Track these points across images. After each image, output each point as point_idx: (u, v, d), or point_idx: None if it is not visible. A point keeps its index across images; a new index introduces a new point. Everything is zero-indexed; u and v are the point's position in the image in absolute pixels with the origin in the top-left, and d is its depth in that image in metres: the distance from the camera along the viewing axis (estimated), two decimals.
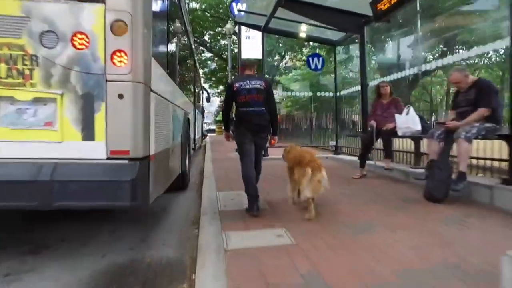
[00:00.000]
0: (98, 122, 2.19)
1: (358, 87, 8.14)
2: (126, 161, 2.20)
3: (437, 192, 3.65)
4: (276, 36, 13.79)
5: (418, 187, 4.42)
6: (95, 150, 2.19)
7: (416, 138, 5.25)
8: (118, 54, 2.21)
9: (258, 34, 11.08)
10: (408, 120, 5.00)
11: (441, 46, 16.10)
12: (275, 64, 22.25)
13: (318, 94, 12.39)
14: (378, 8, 5.84)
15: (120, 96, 2.20)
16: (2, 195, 2.06)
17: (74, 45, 2.19)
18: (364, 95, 6.86)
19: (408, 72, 6.59)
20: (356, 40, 7.13)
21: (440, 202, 3.61)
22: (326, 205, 3.66)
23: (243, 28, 11.55)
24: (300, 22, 7.97)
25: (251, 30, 11.90)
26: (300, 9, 6.93)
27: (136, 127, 2.24)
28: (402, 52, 15.08)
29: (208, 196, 4.14)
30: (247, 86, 3.39)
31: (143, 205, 2.26)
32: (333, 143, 8.56)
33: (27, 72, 2.17)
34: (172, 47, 3.99)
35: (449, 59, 5.59)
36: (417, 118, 4.98)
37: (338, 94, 8.32)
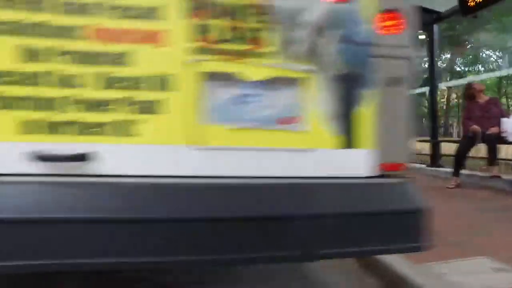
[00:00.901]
0: (361, 120, 1.40)
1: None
2: (403, 180, 1.42)
3: None
4: None
5: None
6: (356, 164, 1.38)
7: None
8: (391, 15, 1.42)
9: None
10: None
11: None
12: None
13: None
14: (470, 1, 5.30)
15: (395, 80, 1.42)
16: (246, 242, 1.20)
17: None
18: (434, 97, 6.34)
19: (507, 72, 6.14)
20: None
21: None
22: (471, 224, 3.07)
23: None
24: None
25: None
26: None
27: (410, 128, 1.46)
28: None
29: None
30: None
31: None
32: None
33: (258, 34, 1.34)
34: None
35: None
36: None
37: None
